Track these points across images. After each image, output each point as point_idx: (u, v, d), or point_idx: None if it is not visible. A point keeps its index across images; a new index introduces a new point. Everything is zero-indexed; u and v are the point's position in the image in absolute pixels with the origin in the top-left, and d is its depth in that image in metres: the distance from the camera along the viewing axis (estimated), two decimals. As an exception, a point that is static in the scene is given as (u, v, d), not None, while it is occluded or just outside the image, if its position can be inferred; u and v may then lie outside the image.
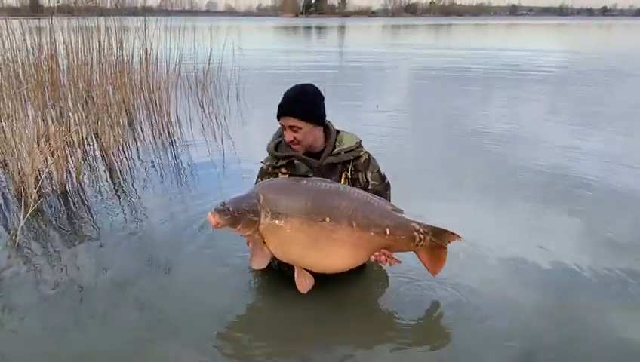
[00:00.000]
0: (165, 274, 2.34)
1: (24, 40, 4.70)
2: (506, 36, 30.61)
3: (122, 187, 3.52)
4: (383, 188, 2.16)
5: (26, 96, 4.36)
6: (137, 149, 4.49)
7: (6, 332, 1.90)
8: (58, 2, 5.37)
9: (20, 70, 4.63)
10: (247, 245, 1.95)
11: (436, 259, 1.97)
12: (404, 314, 2.01)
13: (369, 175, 2.12)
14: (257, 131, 5.33)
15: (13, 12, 5.68)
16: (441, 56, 14.78)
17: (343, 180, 2.07)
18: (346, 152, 2.07)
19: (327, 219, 1.79)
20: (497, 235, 2.73)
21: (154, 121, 5.58)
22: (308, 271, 1.90)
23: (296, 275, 1.90)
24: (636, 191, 3.40)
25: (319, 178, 1.96)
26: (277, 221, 1.80)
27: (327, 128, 2.13)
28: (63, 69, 5.36)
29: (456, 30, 39.60)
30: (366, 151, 2.14)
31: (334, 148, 2.07)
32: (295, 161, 2.09)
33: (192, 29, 7.26)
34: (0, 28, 4.55)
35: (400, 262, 1.92)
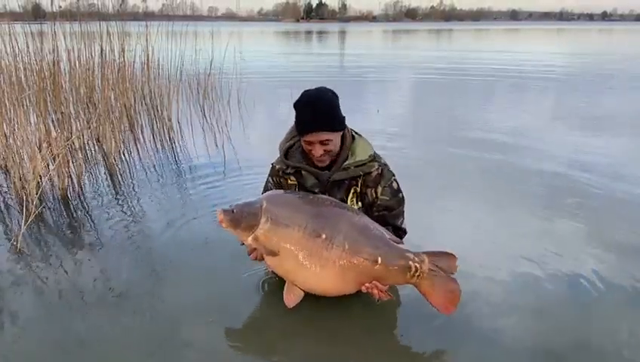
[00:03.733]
0: (167, 279, 2.34)
1: (26, 45, 4.72)
2: (507, 41, 30.68)
3: (123, 192, 3.52)
4: (394, 203, 2.02)
5: (27, 102, 4.36)
6: (139, 154, 4.49)
7: (7, 338, 1.90)
8: (60, 7, 5.40)
9: (22, 75, 4.65)
10: (249, 255, 1.93)
11: (444, 292, 1.79)
12: (406, 313, 2.01)
13: (379, 190, 1.98)
14: (258, 137, 5.34)
15: (16, 17, 5.69)
16: (442, 60, 14.81)
17: (351, 194, 1.99)
18: (356, 166, 1.93)
19: (323, 236, 1.74)
20: (501, 241, 2.72)
21: (155, 126, 5.59)
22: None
23: (285, 289, 1.89)
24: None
25: (326, 196, 1.92)
26: (274, 229, 1.78)
27: (343, 133, 1.98)
28: (65, 75, 5.38)
29: (457, 35, 39.72)
30: (379, 166, 1.97)
31: (347, 157, 1.95)
32: (303, 172, 2.01)
33: (194, 34, 7.28)
34: (2, 33, 4.57)
35: (392, 297, 1.82)
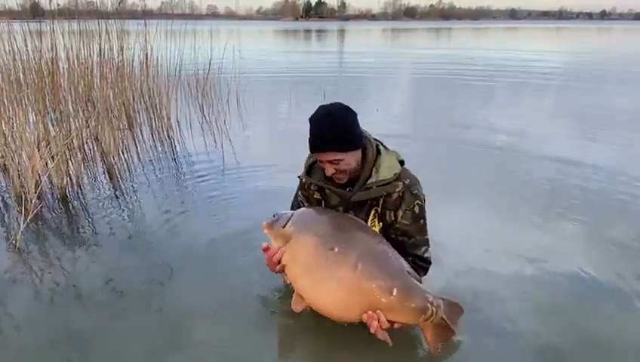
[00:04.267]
0: (166, 278, 2.33)
1: (25, 43, 4.71)
2: (506, 39, 30.68)
3: (122, 191, 3.52)
4: (414, 230, 1.87)
5: (26, 101, 4.36)
6: (137, 153, 4.49)
7: (7, 337, 1.90)
8: (58, 5, 5.38)
9: (21, 74, 4.64)
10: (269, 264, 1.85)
11: (442, 336, 1.69)
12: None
13: (400, 213, 1.85)
14: (258, 135, 5.34)
15: (14, 15, 5.68)
16: (441, 58, 14.81)
17: (372, 215, 1.88)
18: (379, 186, 1.80)
19: (335, 249, 1.63)
20: (500, 238, 2.72)
21: (154, 124, 5.58)
22: None
23: (294, 296, 1.82)
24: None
25: (353, 216, 1.85)
26: (294, 234, 1.75)
27: (364, 149, 1.83)
28: (64, 73, 5.37)
29: (456, 33, 39.72)
30: (403, 186, 1.82)
31: (370, 175, 1.81)
32: (327, 191, 1.95)
33: (193, 32, 7.27)
34: (1, 32, 4.56)
35: (390, 343, 1.59)
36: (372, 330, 1.56)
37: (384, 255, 1.66)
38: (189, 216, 3.07)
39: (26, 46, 4.76)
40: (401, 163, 1.89)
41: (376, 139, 1.89)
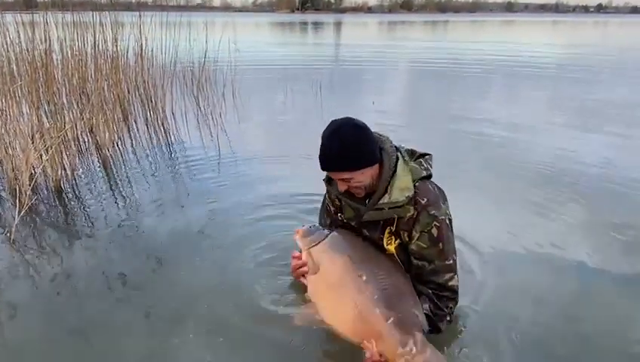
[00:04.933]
0: (161, 270, 2.34)
1: (18, 35, 4.66)
2: (503, 32, 30.64)
3: (117, 183, 3.51)
4: (433, 254, 1.72)
5: (19, 93, 4.32)
6: (132, 146, 4.47)
7: (3, 329, 1.90)
8: (52, -3, 5.32)
9: (14, 66, 4.60)
10: (293, 271, 1.92)
11: None
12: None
13: (415, 235, 1.72)
14: (253, 128, 5.33)
15: (7, 7, 5.62)
16: (437, 51, 14.78)
17: (387, 234, 1.79)
18: (390, 208, 1.70)
19: (363, 278, 1.68)
20: (497, 231, 2.72)
21: (149, 117, 5.55)
22: None
23: (303, 307, 1.88)
24: (637, 189, 3.41)
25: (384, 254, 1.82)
26: (327, 251, 1.83)
27: (382, 163, 1.72)
28: (58, 65, 5.32)
29: (453, 26, 39.63)
30: (419, 206, 1.69)
31: (385, 192, 1.70)
32: (343, 202, 1.91)
33: (188, 24, 7.22)
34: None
35: None
36: (367, 355, 1.55)
37: (400, 291, 1.68)
38: (185, 207, 3.07)
39: (19, 37, 4.71)
40: (428, 177, 1.78)
41: (398, 149, 1.79)
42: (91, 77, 5.55)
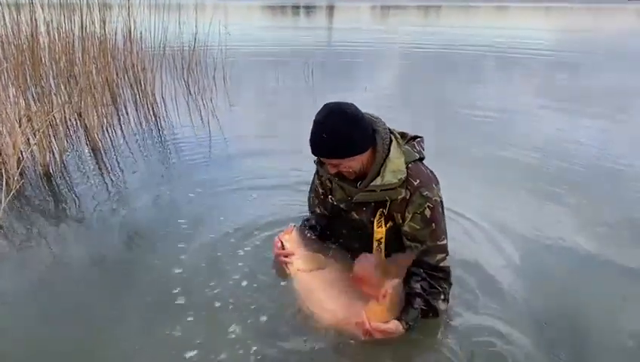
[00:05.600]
0: (151, 254, 2.34)
1: (3, 17, 4.57)
2: (496, 18, 30.51)
3: (107, 167, 3.49)
4: (425, 236, 1.72)
5: (5, 76, 4.26)
6: (122, 130, 4.43)
7: (-10, 313, 1.90)
8: (37, -23, 5.21)
9: (0, 48, 4.52)
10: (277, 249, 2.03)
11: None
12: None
13: (407, 216, 1.73)
14: (244, 112, 5.29)
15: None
16: (430, 36, 14.70)
17: (378, 215, 1.79)
18: (382, 190, 1.71)
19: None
20: (488, 217, 2.73)
21: (139, 101, 5.50)
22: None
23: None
24: (628, 173, 3.46)
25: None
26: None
27: (374, 146, 1.73)
28: (45, 48, 5.24)
29: (446, 11, 39.36)
30: (412, 188, 1.71)
31: (378, 174, 1.72)
32: (333, 184, 1.92)
33: (177, 7, 7.11)
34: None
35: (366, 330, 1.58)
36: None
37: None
38: (175, 191, 3.06)
39: (4, 20, 4.62)
40: (420, 159, 1.79)
41: (392, 132, 1.79)
42: (79, 60, 5.47)
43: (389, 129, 1.79)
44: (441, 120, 4.94)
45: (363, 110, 1.76)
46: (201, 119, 4.85)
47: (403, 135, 1.84)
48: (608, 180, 3.34)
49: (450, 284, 1.80)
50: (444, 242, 1.77)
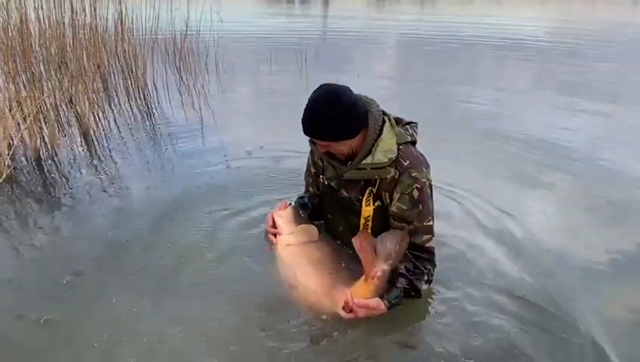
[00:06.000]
0: (141, 237, 2.36)
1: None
2: (492, 7, 30.38)
3: (98, 154, 3.49)
4: (412, 216, 1.74)
5: (-5, 61, 4.23)
6: (113, 116, 4.42)
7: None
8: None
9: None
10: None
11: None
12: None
13: (395, 196, 1.76)
14: (236, 99, 5.29)
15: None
16: (425, 24, 14.64)
17: (367, 194, 1.81)
18: (372, 168, 1.74)
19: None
20: (481, 206, 2.76)
21: (130, 87, 5.47)
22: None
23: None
24: (621, 164, 3.48)
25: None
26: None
27: (366, 129, 1.76)
28: (35, 34, 5.20)
29: (441, 1, 39.15)
30: (401, 168, 1.74)
31: (369, 153, 1.74)
32: (324, 162, 1.96)
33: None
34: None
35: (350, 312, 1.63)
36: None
37: None
38: (166, 176, 3.09)
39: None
40: (413, 143, 1.82)
41: (385, 114, 1.82)
42: (69, 46, 5.44)
43: (383, 111, 1.83)
44: (433, 108, 4.95)
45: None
46: (193, 106, 4.85)
47: (398, 120, 1.88)
48: (602, 169, 3.38)
49: (434, 265, 1.84)
50: (431, 223, 1.80)
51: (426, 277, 1.78)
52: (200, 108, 4.72)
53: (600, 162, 3.50)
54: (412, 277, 1.74)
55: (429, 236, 1.80)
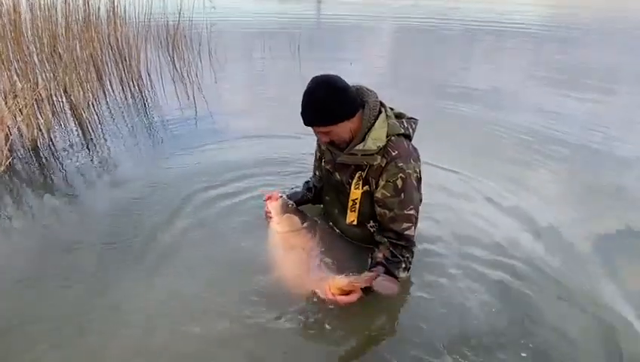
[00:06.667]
0: (136, 223, 2.44)
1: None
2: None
3: (94, 143, 3.54)
4: (394, 204, 1.84)
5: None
6: (108, 105, 4.46)
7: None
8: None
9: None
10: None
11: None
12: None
13: (380, 183, 1.85)
14: (230, 88, 5.32)
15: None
16: (420, 10, 14.59)
17: (356, 178, 1.91)
18: (362, 155, 1.84)
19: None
20: (475, 193, 2.83)
21: (124, 76, 5.49)
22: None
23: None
24: (615, 151, 3.58)
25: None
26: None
27: (362, 116, 1.85)
28: (27, 24, 5.18)
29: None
30: (388, 157, 1.82)
31: (362, 140, 1.83)
32: (323, 147, 2.09)
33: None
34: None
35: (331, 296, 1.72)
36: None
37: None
38: (160, 166, 3.15)
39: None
40: (406, 136, 1.89)
41: (383, 105, 1.90)
42: (62, 35, 5.43)
43: (381, 102, 1.91)
44: (427, 95, 5.01)
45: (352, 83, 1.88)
46: (187, 94, 4.88)
47: (400, 114, 1.97)
48: (595, 156, 3.47)
49: (412, 253, 1.92)
50: (412, 212, 1.87)
51: (403, 265, 1.87)
52: (194, 97, 4.76)
53: (593, 145, 3.61)
54: (389, 265, 1.84)
55: (409, 224, 1.87)
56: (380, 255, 1.86)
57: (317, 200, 2.34)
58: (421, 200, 1.97)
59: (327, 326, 1.76)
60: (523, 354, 1.69)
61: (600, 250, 2.32)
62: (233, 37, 8.20)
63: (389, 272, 1.82)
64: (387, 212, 1.86)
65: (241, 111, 4.37)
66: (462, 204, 2.67)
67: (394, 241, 1.87)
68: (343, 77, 1.81)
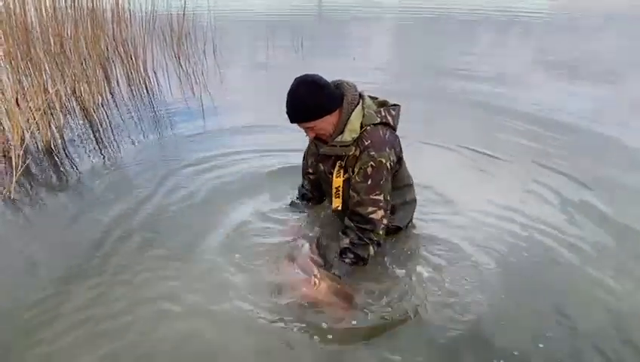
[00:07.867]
0: (148, 219, 2.53)
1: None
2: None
3: (105, 143, 3.62)
4: (362, 189, 1.95)
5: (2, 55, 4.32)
6: (116, 105, 4.54)
7: (11, 278, 2.11)
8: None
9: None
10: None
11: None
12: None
13: (355, 170, 1.97)
14: (235, 85, 5.39)
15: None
16: (423, 1, 14.51)
17: (337, 167, 2.03)
18: (340, 146, 1.97)
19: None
20: (477, 183, 2.89)
21: (131, 76, 5.57)
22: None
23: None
24: (619, 140, 3.61)
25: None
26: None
27: (342, 108, 1.96)
28: (35, 26, 5.25)
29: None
30: (362, 147, 1.93)
31: (341, 132, 1.95)
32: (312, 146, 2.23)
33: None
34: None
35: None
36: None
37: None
38: (170, 162, 3.23)
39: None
40: (385, 124, 1.97)
41: (362, 97, 1.99)
42: (67, 34, 5.50)
43: (360, 94, 1.99)
44: (431, 86, 5.06)
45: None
46: (193, 93, 4.96)
47: (383, 103, 2.06)
48: (596, 148, 3.51)
49: (378, 234, 1.99)
50: (379, 198, 1.95)
51: (370, 247, 1.98)
52: (200, 95, 4.84)
53: (597, 135, 3.66)
54: (356, 250, 1.97)
55: (375, 209, 1.96)
56: (347, 241, 1.98)
57: (317, 201, 2.49)
58: (411, 182, 2.18)
59: (326, 326, 1.82)
60: (540, 345, 1.73)
61: (613, 240, 2.34)
62: (237, 33, 8.26)
63: (357, 256, 1.97)
64: (355, 195, 1.98)
65: (246, 108, 4.43)
66: (467, 187, 2.73)
67: (360, 226, 1.98)
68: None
